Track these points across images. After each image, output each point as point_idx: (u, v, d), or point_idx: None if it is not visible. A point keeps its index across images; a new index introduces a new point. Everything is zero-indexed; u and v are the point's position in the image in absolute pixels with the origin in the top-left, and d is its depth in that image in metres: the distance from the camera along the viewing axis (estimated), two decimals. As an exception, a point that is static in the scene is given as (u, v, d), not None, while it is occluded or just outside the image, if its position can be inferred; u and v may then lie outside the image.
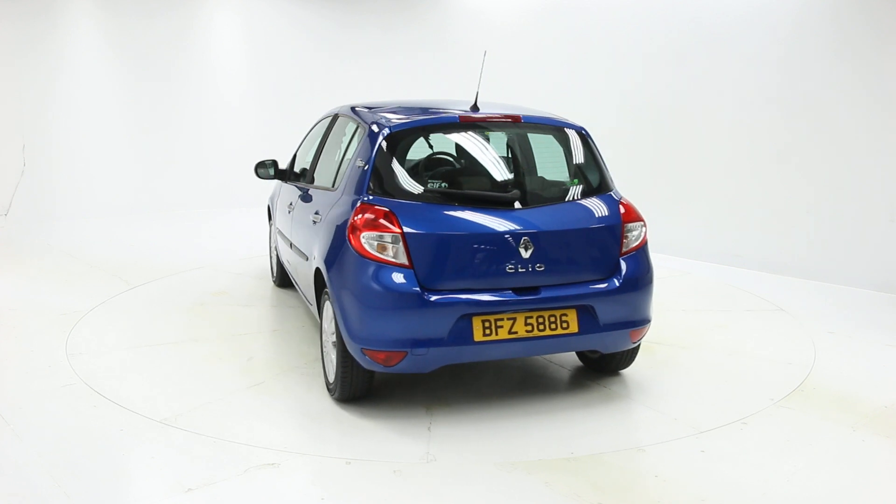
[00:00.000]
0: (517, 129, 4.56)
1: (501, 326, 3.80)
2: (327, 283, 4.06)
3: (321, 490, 3.29)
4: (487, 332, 3.78)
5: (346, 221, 3.93)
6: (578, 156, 4.46)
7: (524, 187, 4.27)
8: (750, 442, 3.78)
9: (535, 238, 3.87)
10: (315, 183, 4.99)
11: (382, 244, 3.78)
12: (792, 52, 7.09)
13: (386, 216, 3.83)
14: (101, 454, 3.58)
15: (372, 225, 3.82)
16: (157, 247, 8.17)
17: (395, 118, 4.31)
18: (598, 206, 4.21)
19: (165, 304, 5.96)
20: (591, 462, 3.56)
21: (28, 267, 7.17)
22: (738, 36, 7.44)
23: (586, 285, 3.97)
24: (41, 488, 3.25)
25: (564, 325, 3.90)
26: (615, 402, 4.25)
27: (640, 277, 4.13)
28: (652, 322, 4.39)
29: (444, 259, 3.79)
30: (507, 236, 3.84)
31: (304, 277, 4.82)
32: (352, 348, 3.85)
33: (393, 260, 3.76)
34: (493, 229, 3.86)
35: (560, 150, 4.59)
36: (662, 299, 6.33)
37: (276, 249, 6.36)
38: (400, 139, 4.17)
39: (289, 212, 5.47)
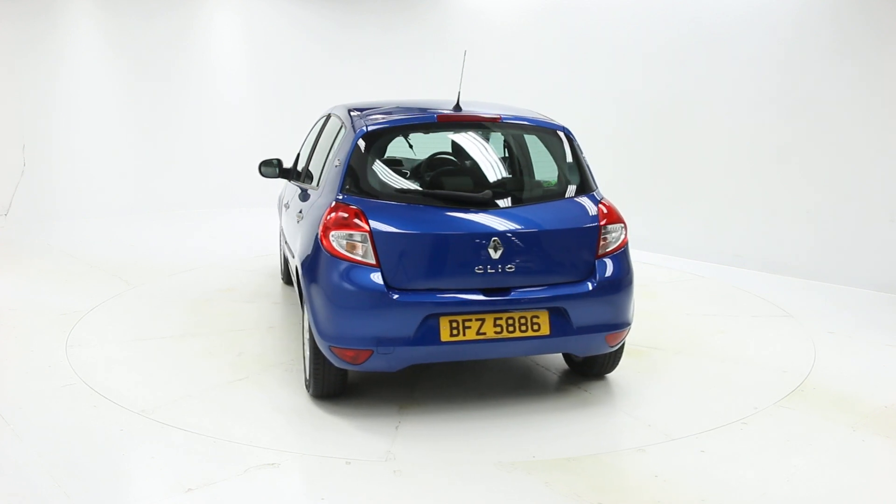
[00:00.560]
0: (497, 129, 4.55)
1: (469, 327, 3.79)
2: (301, 281, 4.10)
3: (321, 490, 3.29)
4: (455, 332, 3.77)
5: (319, 220, 3.98)
6: (559, 156, 4.43)
7: (500, 187, 4.26)
8: (750, 442, 3.78)
9: (505, 239, 3.85)
10: (306, 182, 5.05)
11: (352, 243, 3.81)
12: (792, 52, 7.09)
13: (356, 215, 3.86)
14: (101, 454, 3.58)
15: (342, 224, 3.85)
16: (157, 247, 8.17)
17: (375, 118, 4.32)
18: (575, 207, 4.16)
19: (165, 304, 5.96)
20: (591, 462, 3.56)
21: (28, 267, 7.17)
22: (738, 36, 7.43)
23: (559, 287, 3.92)
24: (41, 488, 3.25)
25: (535, 327, 3.86)
26: (590, 406, 4.19)
27: (616, 280, 4.04)
28: (632, 325, 4.25)
29: (411, 258, 3.81)
30: (475, 237, 3.83)
31: (294, 275, 4.88)
32: (321, 346, 3.90)
33: (361, 259, 3.79)
34: (461, 229, 3.85)
35: (541, 150, 4.58)
36: (664, 302, 6.33)
37: (283, 246, 6.42)
38: (375, 139, 4.19)
39: (286, 210, 5.51)
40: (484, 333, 3.80)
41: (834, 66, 6.82)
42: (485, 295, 3.82)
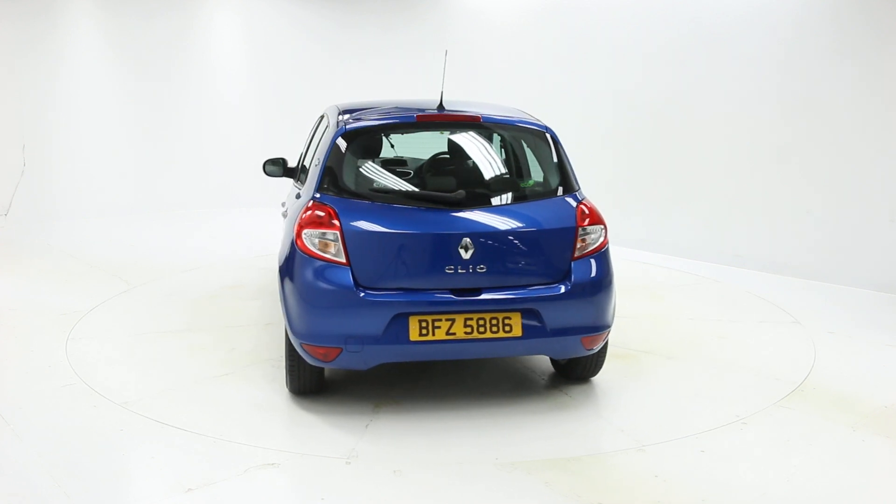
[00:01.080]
0: (478, 129, 4.53)
1: (439, 327, 3.78)
2: (279, 278, 4.16)
3: (321, 490, 3.29)
4: (424, 332, 3.77)
5: (296, 218, 4.03)
6: (542, 156, 4.41)
7: (476, 187, 4.25)
8: (750, 442, 3.78)
9: (476, 239, 3.83)
10: (301, 181, 5.09)
11: (324, 241, 3.84)
12: (792, 52, 7.09)
13: (329, 214, 3.89)
14: (101, 454, 3.58)
15: (315, 222, 3.88)
16: (157, 247, 8.17)
17: (357, 118, 4.34)
18: (553, 208, 4.12)
19: (165, 304, 5.96)
20: (591, 462, 3.56)
21: (28, 267, 7.17)
22: (738, 36, 7.43)
23: (532, 289, 3.89)
24: (41, 488, 3.25)
25: (507, 328, 3.83)
26: (567, 410, 4.14)
27: (593, 282, 3.98)
28: (611, 328, 4.18)
29: (381, 257, 3.82)
30: (445, 237, 3.83)
31: None
32: (294, 343, 3.94)
33: (331, 257, 3.82)
34: (431, 229, 3.86)
35: (523, 150, 4.57)
36: (664, 303, 6.33)
37: None
38: (353, 138, 4.21)
39: (282, 208, 5.57)
40: (454, 334, 3.79)
41: (834, 66, 6.82)
42: (455, 295, 3.81)
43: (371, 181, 4.31)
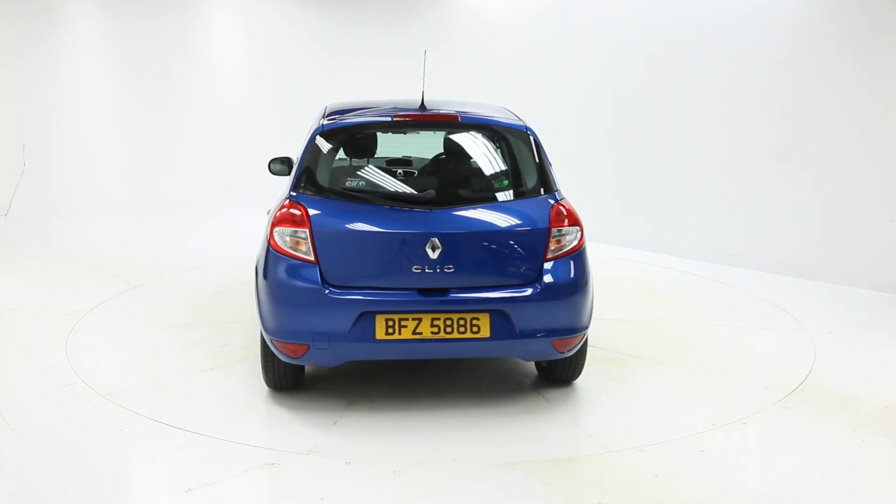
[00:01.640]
0: (456, 128, 4.53)
1: (405, 326, 3.79)
2: (254, 275, 4.20)
3: (321, 490, 3.29)
4: (390, 331, 3.78)
5: (272, 217, 4.09)
6: (520, 156, 4.39)
7: (449, 187, 4.27)
8: (750, 442, 3.78)
9: (444, 239, 3.82)
10: None
11: (296, 239, 3.89)
12: (792, 52, 7.09)
13: (300, 212, 3.92)
14: (101, 454, 3.58)
15: (287, 220, 3.92)
16: (157, 247, 8.17)
17: (338, 118, 4.36)
18: (527, 208, 4.08)
19: (165, 304, 5.96)
20: (591, 462, 3.56)
21: (28, 267, 7.17)
22: (738, 36, 7.43)
23: (501, 289, 3.87)
24: (41, 488, 3.25)
25: (475, 329, 3.81)
26: (540, 412, 4.09)
27: (566, 284, 3.93)
28: (588, 330, 4.11)
29: (349, 256, 3.86)
30: (413, 236, 3.83)
31: None
32: (266, 339, 3.98)
33: (301, 255, 3.86)
34: (399, 228, 3.87)
35: (501, 150, 4.55)
36: (664, 303, 6.33)
37: None
38: (329, 138, 4.25)
39: None
40: (420, 333, 3.79)
41: (834, 66, 6.82)
42: (421, 295, 3.82)
43: (344, 180, 4.34)
